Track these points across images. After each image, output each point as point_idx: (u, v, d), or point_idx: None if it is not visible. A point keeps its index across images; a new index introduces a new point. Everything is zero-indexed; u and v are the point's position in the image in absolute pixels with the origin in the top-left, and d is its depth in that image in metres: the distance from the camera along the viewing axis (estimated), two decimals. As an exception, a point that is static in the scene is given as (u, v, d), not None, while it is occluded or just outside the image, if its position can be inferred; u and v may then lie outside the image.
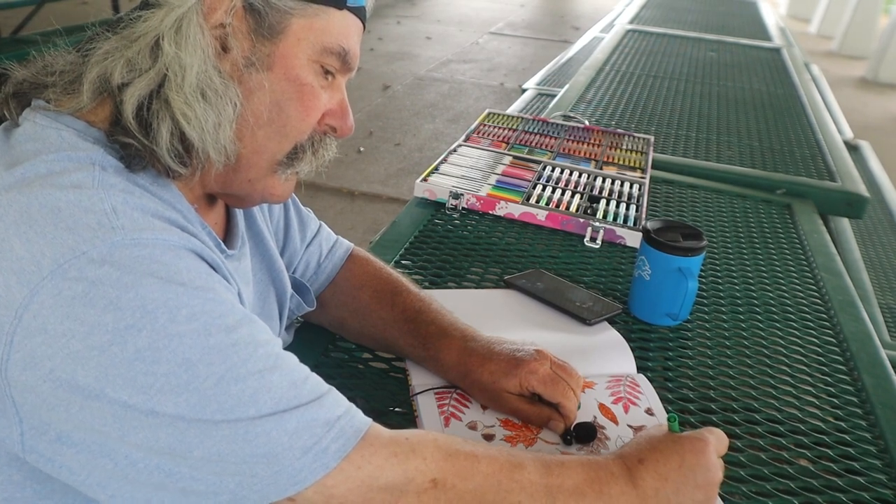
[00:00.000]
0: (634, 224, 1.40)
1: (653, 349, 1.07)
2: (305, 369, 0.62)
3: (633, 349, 1.02)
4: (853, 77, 7.45)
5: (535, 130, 1.85)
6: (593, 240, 1.37)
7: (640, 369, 1.00)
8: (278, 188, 0.75)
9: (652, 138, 1.84)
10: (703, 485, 0.71)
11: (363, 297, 0.98)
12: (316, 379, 0.62)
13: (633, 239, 1.36)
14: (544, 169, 1.60)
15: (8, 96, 0.66)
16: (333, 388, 0.63)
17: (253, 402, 0.56)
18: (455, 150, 1.66)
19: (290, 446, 0.57)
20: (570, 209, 1.43)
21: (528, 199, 1.45)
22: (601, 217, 1.41)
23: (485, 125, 1.86)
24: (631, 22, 3.45)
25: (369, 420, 0.63)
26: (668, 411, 0.92)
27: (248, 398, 0.56)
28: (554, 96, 2.46)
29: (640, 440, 0.75)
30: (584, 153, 1.72)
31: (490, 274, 1.24)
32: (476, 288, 1.19)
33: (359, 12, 0.73)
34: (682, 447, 0.72)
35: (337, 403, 0.61)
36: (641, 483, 0.69)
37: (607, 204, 1.46)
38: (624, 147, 1.78)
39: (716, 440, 0.74)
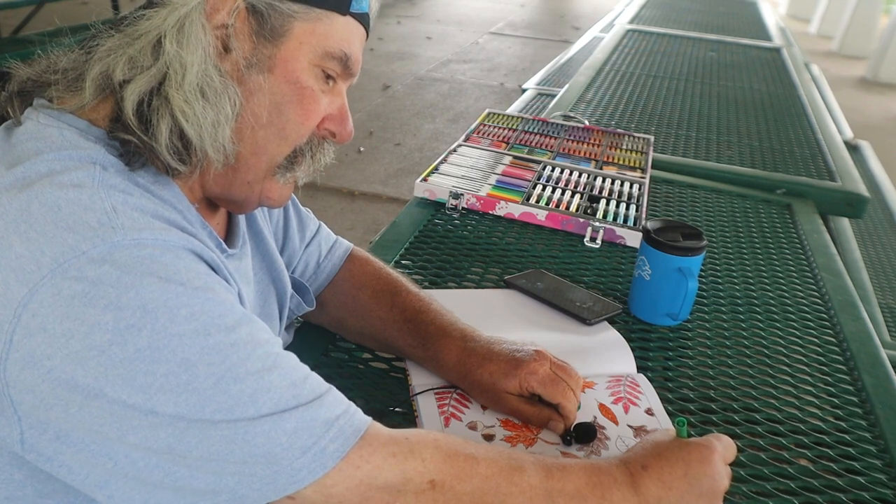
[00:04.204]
0: (634, 224, 1.40)
1: (653, 349, 1.07)
2: (305, 368, 0.62)
3: (633, 349, 1.02)
4: (853, 77, 7.45)
5: (535, 130, 1.85)
6: (593, 240, 1.37)
7: (640, 369, 1.00)
8: (276, 192, 0.75)
9: (652, 138, 1.84)
10: (707, 493, 0.70)
11: (363, 297, 0.98)
12: (315, 378, 0.62)
13: (633, 239, 1.36)
14: (544, 169, 1.60)
15: (12, 95, 0.67)
16: (333, 388, 0.63)
17: (252, 402, 0.56)
18: (455, 150, 1.66)
19: (289, 446, 0.57)
20: (570, 209, 1.43)
21: (528, 199, 1.45)
22: (601, 217, 1.41)
23: (485, 125, 1.86)
24: (631, 22, 3.45)
25: (369, 419, 0.63)
26: (668, 412, 0.92)
27: (248, 398, 0.56)
28: (554, 96, 2.46)
29: (646, 445, 0.74)
30: (584, 153, 1.72)
31: (490, 274, 1.24)
32: (476, 288, 1.19)
33: (362, 19, 0.73)
34: (689, 455, 0.71)
35: (336, 402, 0.62)
36: (644, 490, 0.69)
37: (607, 204, 1.46)
38: (624, 147, 1.78)
39: (723, 448, 0.73)
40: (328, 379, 0.63)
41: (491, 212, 1.43)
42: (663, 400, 0.94)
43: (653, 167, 1.71)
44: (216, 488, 0.56)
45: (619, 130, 1.88)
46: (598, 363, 0.99)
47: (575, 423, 0.85)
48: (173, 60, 0.63)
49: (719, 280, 1.29)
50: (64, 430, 0.55)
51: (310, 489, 0.58)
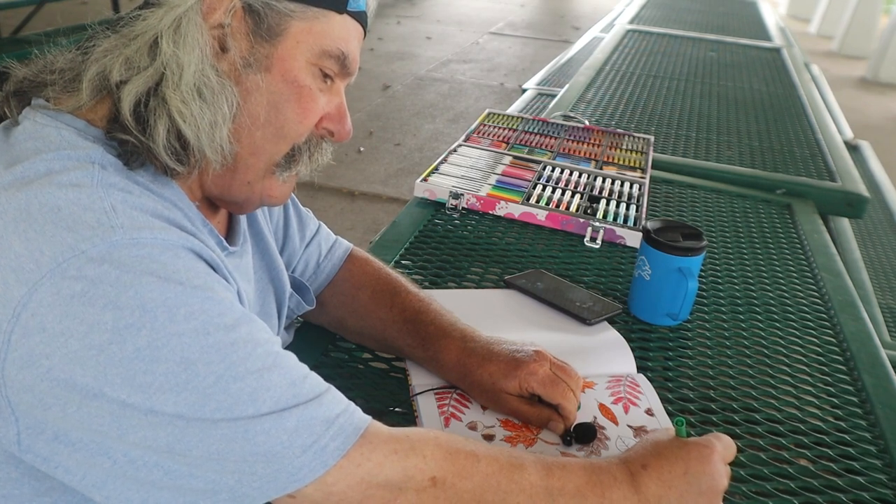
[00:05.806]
0: (634, 224, 1.40)
1: (653, 349, 1.07)
2: (304, 368, 0.62)
3: (633, 349, 1.02)
4: (853, 77, 7.45)
5: (535, 130, 1.85)
6: (593, 240, 1.37)
7: (640, 369, 1.00)
8: (276, 190, 0.75)
9: (652, 138, 1.84)
10: (706, 492, 0.70)
11: (362, 298, 0.98)
12: (315, 377, 0.62)
13: (633, 239, 1.36)
14: (544, 169, 1.60)
15: (9, 95, 0.67)
16: (332, 387, 0.63)
17: (252, 400, 0.56)
18: (455, 150, 1.66)
19: (289, 444, 0.57)
20: (570, 209, 1.43)
21: (528, 199, 1.45)
22: (601, 217, 1.41)
23: (485, 125, 1.86)
24: (631, 22, 3.45)
25: (368, 417, 0.63)
26: (668, 412, 0.92)
27: (248, 397, 0.56)
28: (554, 96, 2.46)
29: (646, 444, 0.74)
30: (584, 153, 1.72)
31: (490, 274, 1.24)
32: (476, 288, 1.19)
33: (359, 17, 0.73)
34: (688, 454, 0.71)
35: (336, 401, 0.62)
36: (644, 489, 0.69)
37: (607, 204, 1.46)
38: (624, 147, 1.78)
39: (723, 447, 0.73)
40: (328, 379, 0.63)
41: (491, 212, 1.43)
42: (663, 400, 0.94)
43: (653, 167, 1.71)
44: (216, 487, 0.56)
45: (619, 130, 1.88)
46: (598, 363, 0.99)
47: (575, 423, 0.85)
48: (170, 61, 0.63)
49: (719, 280, 1.29)
50: (62, 430, 0.54)
51: (310, 487, 0.58)
